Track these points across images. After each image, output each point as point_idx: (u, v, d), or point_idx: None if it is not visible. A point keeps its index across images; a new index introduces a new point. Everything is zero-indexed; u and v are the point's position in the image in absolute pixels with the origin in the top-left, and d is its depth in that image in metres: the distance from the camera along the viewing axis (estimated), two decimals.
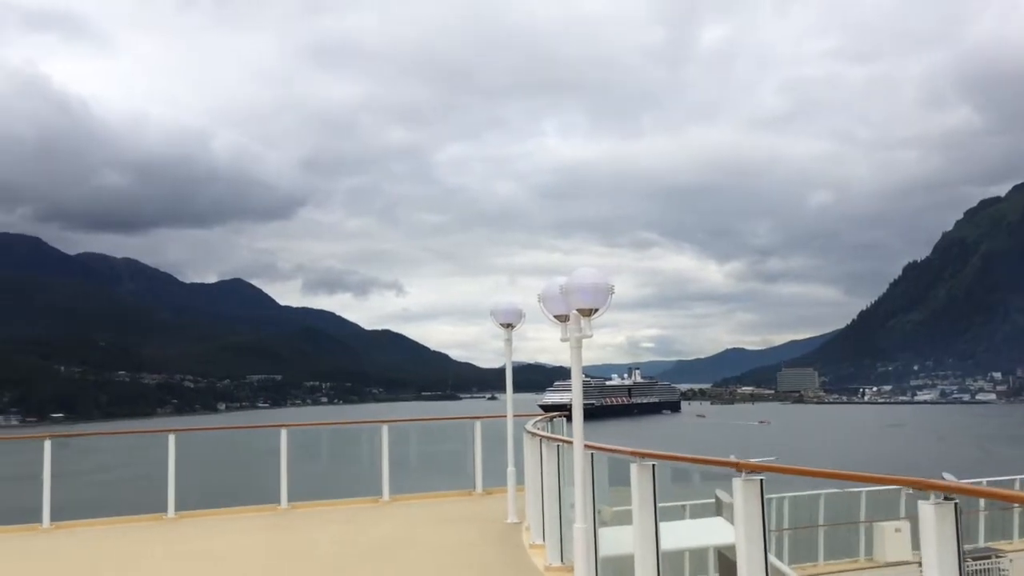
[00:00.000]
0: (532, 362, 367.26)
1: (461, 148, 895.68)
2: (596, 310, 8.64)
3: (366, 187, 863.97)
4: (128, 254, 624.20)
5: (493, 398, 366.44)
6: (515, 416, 15.34)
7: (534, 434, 13.11)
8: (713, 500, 12.30)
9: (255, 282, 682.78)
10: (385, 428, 17.56)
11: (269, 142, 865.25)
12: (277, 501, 16.48)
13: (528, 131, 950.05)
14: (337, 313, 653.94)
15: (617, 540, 9.26)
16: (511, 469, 14.90)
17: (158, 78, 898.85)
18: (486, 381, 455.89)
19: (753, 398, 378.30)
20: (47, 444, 14.84)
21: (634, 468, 7.96)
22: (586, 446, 8.98)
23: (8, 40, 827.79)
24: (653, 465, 7.93)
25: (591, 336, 8.80)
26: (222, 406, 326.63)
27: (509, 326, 14.53)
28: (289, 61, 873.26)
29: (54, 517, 14.81)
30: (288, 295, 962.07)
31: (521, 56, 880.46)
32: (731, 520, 10.63)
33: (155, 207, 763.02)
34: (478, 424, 18.35)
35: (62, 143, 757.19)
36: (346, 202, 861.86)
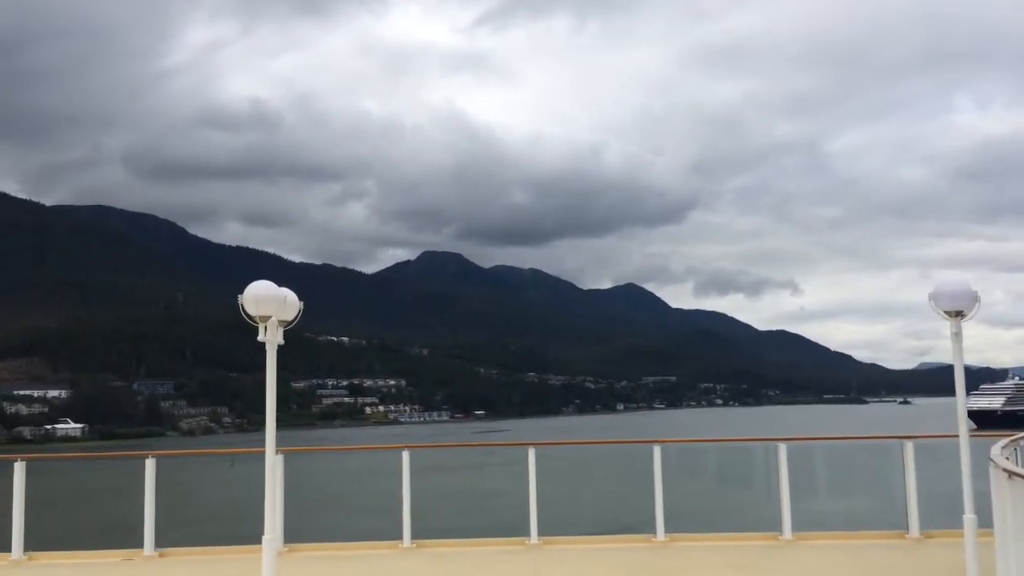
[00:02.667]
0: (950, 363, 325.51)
1: (858, 135, 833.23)
2: None
3: (755, 185, 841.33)
4: (533, 264, 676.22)
5: (906, 402, 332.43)
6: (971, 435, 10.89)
7: (1014, 474, 8.71)
8: None
9: (647, 286, 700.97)
10: (783, 447, 13.94)
11: (657, 149, 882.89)
12: (652, 531, 13.75)
13: (936, 108, 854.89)
14: (729, 314, 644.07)
15: None
16: (970, 517, 10.49)
17: (553, 100, 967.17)
18: (896, 384, 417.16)
19: None
20: (405, 455, 13.74)
21: None
22: None
23: (431, 83, 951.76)
24: None
25: None
26: (620, 406, 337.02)
27: (958, 314, 10.31)
28: (674, 68, 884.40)
29: (414, 535, 13.64)
30: (680, 298, 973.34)
31: (924, 28, 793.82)
32: None
33: (555, 220, 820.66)
34: (909, 445, 13.97)
35: (475, 168, 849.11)
36: (735, 201, 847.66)
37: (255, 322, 10.73)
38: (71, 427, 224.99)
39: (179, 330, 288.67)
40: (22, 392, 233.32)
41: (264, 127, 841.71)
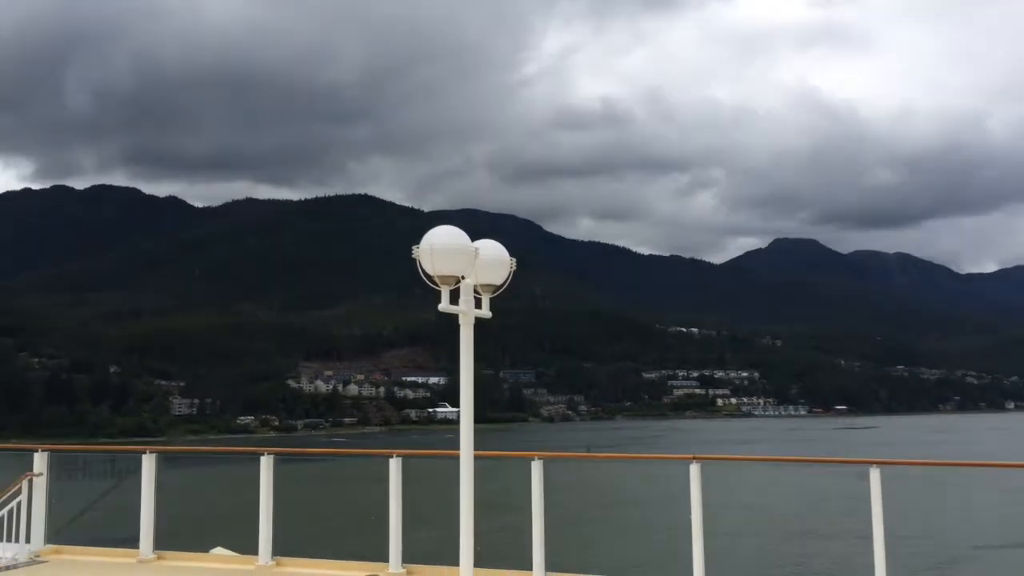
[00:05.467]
0: None
1: None
2: None
3: None
4: (900, 248, 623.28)
5: None
6: None
7: None
8: None
9: None
10: None
11: None
12: None
13: None
14: None
15: None
16: None
17: (923, 66, 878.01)
18: None
19: None
20: (693, 468, 11.44)
21: None
22: None
23: (783, 63, 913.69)
24: None
25: None
26: (1010, 405, 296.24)
27: None
28: None
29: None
30: None
31: None
32: None
33: (926, 198, 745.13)
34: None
35: (833, 149, 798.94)
36: None
37: (435, 284, 8.18)
38: (449, 411, 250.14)
39: (538, 322, 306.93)
40: (409, 379, 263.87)
41: (614, 124, 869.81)
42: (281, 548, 12.22)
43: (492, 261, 8.58)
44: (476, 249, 8.35)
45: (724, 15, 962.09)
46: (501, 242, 9.34)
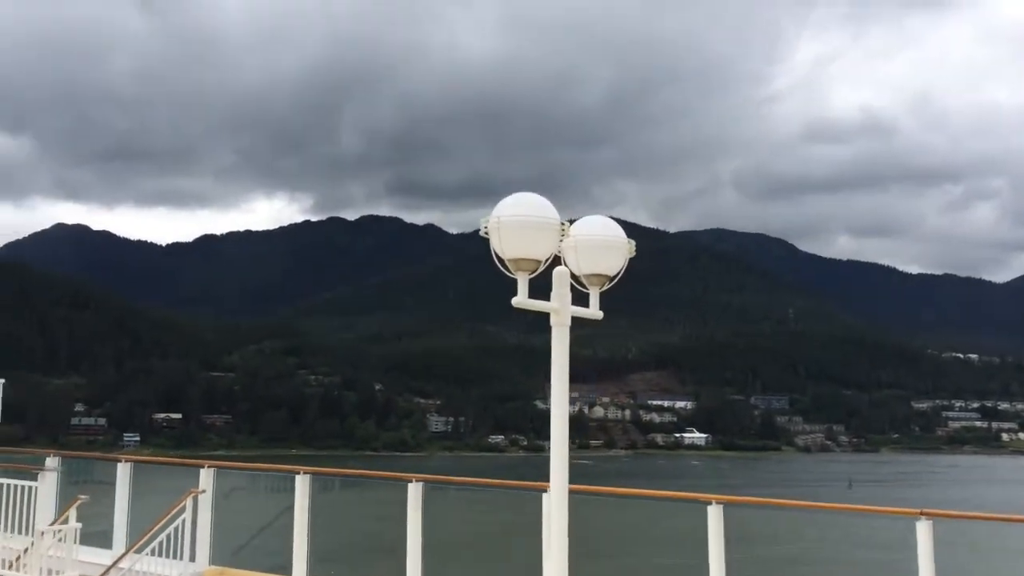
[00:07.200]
0: None
1: None
2: None
3: None
4: None
5: None
6: None
7: None
8: None
9: None
10: None
11: None
12: None
13: None
14: None
15: None
16: None
17: None
18: None
19: None
20: (924, 528, 9.45)
21: None
22: None
23: None
24: None
25: None
26: None
27: None
28: None
29: None
30: None
31: None
32: None
33: None
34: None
35: None
36: None
37: (508, 270, 6.19)
38: (696, 436, 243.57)
39: (791, 345, 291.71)
40: (655, 402, 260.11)
41: (875, 134, 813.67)
42: None
43: (595, 242, 6.26)
44: (563, 224, 6.12)
45: (1004, 10, 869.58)
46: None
